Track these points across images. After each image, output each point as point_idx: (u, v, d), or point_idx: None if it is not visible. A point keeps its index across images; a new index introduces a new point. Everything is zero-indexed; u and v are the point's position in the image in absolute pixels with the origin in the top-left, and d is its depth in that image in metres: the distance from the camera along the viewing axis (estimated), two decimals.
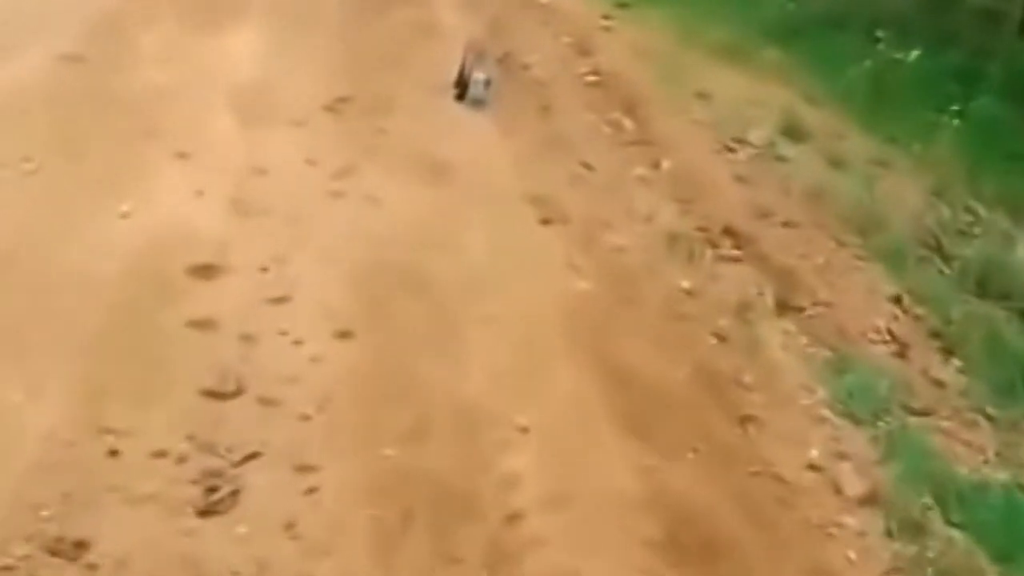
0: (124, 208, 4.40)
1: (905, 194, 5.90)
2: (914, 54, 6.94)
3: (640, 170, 5.79)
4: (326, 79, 6.09)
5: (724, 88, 6.77)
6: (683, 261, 4.94)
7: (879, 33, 7.15)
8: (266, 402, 3.48)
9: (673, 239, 5.08)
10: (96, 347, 3.59)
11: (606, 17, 8.00)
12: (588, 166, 5.73)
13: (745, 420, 3.91)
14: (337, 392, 3.58)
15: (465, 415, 3.58)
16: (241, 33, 6.48)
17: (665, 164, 5.85)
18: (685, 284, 4.72)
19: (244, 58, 6.16)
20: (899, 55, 6.96)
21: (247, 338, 3.78)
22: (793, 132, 6.34)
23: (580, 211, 5.17)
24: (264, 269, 4.21)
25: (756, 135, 6.26)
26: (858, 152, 6.29)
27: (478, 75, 6.01)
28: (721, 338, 4.40)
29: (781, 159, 6.11)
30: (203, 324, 3.80)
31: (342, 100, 5.87)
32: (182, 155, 4.93)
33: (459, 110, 6.05)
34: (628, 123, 6.37)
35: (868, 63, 6.99)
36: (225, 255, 4.23)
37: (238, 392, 3.49)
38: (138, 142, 4.97)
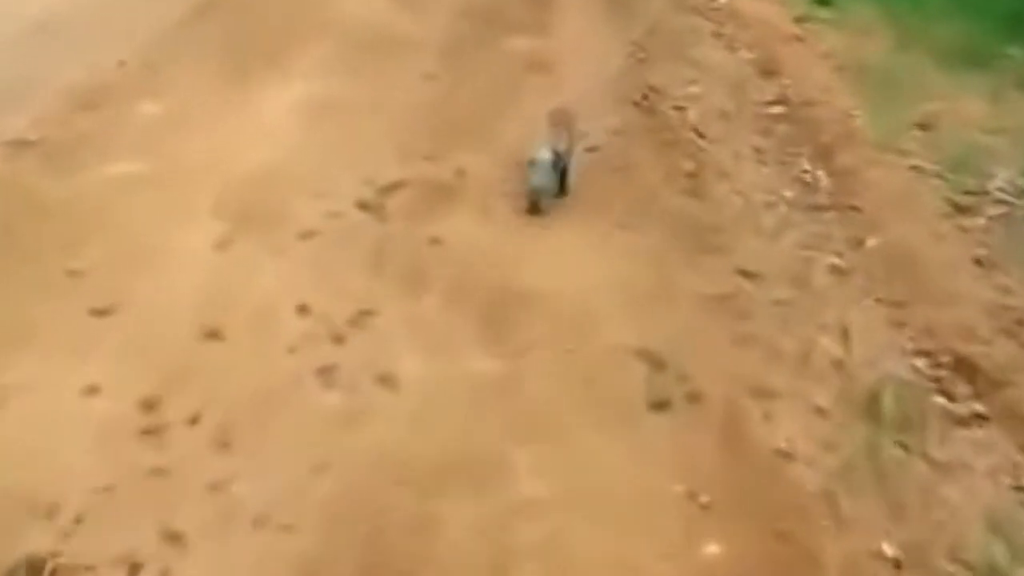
0: None
1: None
2: None
3: (832, 258, 3.93)
4: (377, 154, 4.31)
5: (953, 112, 4.96)
6: (892, 449, 2.96)
7: None
8: None
9: (874, 400, 3.13)
10: None
11: (800, 20, 6.28)
12: (748, 274, 3.77)
13: None
14: None
15: None
16: (284, 87, 4.80)
17: (871, 242, 4.07)
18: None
19: (272, 127, 4.47)
20: None
21: None
22: None
23: (721, 373, 3.23)
24: (136, 568, 2.39)
25: (998, 183, 4.41)
26: None
27: (543, 155, 3.99)
28: None
29: None
30: None
31: (388, 189, 4.06)
32: (100, 312, 3.23)
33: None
34: (822, 176, 4.52)
35: None
36: (75, 535, 2.47)
37: None
38: (46, 289, 3.31)
